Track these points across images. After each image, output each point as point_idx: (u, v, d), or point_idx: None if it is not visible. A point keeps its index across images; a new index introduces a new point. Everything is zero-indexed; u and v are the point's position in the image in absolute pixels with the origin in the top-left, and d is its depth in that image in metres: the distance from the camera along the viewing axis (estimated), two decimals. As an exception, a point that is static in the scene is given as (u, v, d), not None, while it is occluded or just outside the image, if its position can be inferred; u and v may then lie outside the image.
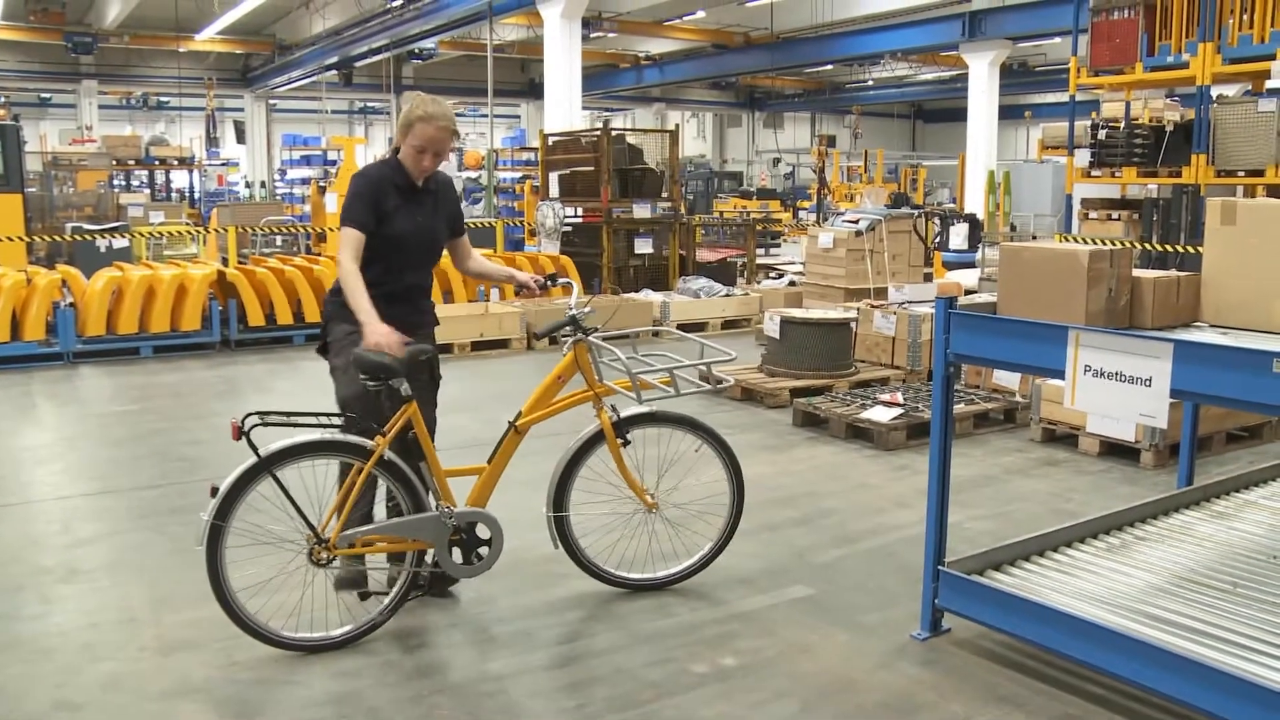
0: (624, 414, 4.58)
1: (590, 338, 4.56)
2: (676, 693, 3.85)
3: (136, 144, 25.72)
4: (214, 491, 3.93)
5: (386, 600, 4.28)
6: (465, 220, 4.90)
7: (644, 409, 4.57)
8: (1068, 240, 11.65)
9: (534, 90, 38.53)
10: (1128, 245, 4.05)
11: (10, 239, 14.07)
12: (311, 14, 29.70)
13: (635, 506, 4.69)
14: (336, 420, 4.24)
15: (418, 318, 4.69)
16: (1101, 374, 3.58)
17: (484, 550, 4.38)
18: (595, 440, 4.57)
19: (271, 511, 4.02)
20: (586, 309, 4.66)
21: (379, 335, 4.15)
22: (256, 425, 3.91)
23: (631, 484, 4.64)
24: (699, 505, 4.89)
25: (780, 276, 15.87)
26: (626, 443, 4.58)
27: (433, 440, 4.45)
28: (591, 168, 14.51)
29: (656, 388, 4.54)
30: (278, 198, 31.29)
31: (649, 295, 13.17)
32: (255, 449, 3.95)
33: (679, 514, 4.84)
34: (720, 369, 4.73)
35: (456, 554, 4.33)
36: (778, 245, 26.24)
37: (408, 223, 4.53)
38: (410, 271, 4.63)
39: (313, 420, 4.15)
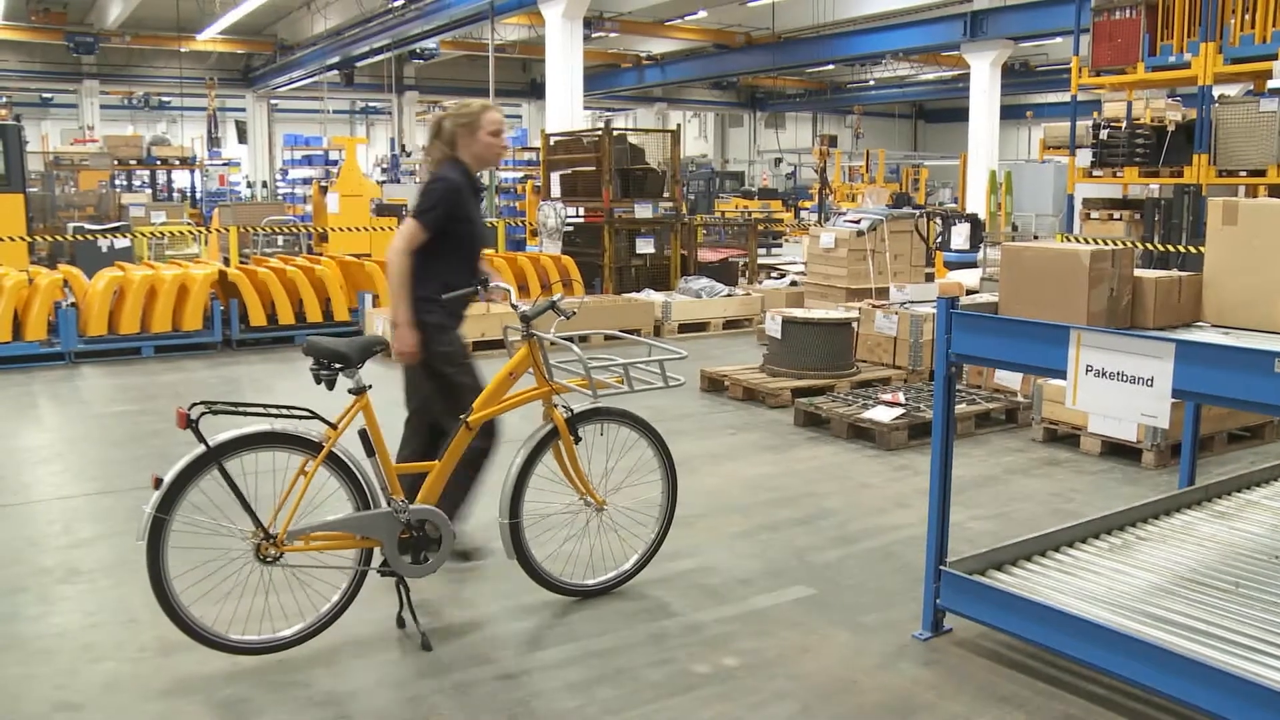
0: (577, 410, 4.56)
1: (542, 335, 4.55)
2: (677, 693, 3.84)
3: (138, 144, 25.74)
4: (157, 483, 3.79)
5: (336, 598, 4.19)
6: None
7: (598, 404, 4.56)
8: (1069, 240, 11.65)
9: (535, 90, 38.55)
10: (1129, 245, 4.05)
11: (12, 239, 14.08)
12: (313, 14, 29.73)
13: (584, 507, 4.67)
14: (288, 412, 4.08)
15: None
16: (1103, 374, 3.58)
17: (433, 550, 4.29)
18: (547, 440, 4.52)
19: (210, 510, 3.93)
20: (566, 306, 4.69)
21: (408, 345, 4.56)
22: (204, 414, 3.80)
23: (583, 482, 4.63)
24: (642, 502, 4.89)
25: (782, 277, 15.87)
26: (578, 439, 4.57)
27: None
28: (593, 168, 14.50)
29: (609, 385, 4.55)
30: (279, 198, 31.33)
31: (650, 295, 13.16)
32: (202, 439, 3.81)
33: (625, 514, 4.83)
34: (674, 367, 4.72)
35: (405, 553, 4.23)
36: (779, 245, 26.25)
37: (480, 223, 4.86)
38: (478, 268, 4.87)
39: (261, 411, 4.02)
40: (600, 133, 14.75)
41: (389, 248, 4.69)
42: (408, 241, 4.62)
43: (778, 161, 43.07)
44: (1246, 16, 10.13)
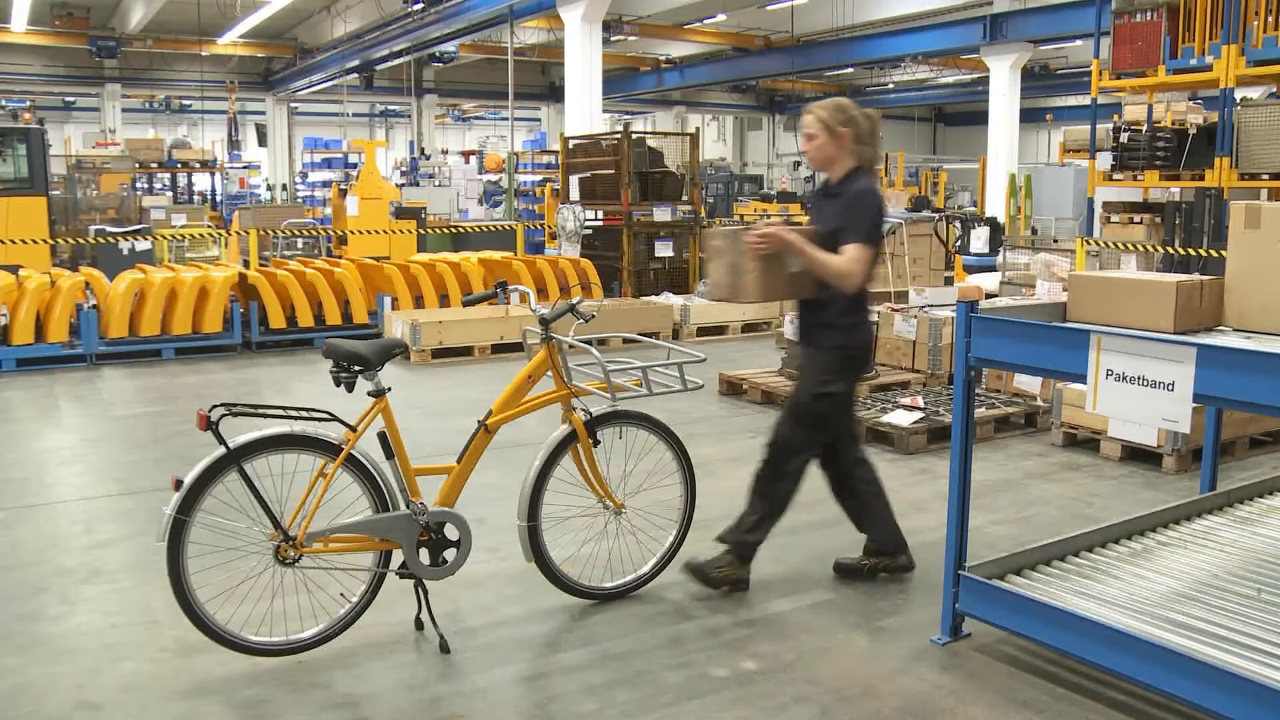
0: (596, 413, 4.56)
1: (561, 338, 4.55)
2: (696, 696, 3.84)
3: (159, 147, 25.92)
4: (177, 484, 3.81)
5: (354, 600, 4.21)
6: (860, 234, 4.59)
7: (617, 407, 4.57)
8: (1089, 244, 11.60)
9: (554, 93, 38.57)
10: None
11: (35, 241, 14.17)
12: (333, 18, 29.84)
13: (602, 510, 4.68)
14: (308, 414, 4.06)
15: (803, 331, 4.88)
16: (1124, 378, 3.56)
17: (451, 552, 4.28)
18: (565, 444, 4.52)
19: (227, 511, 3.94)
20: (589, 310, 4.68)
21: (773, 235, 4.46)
22: (224, 416, 3.82)
23: (601, 486, 4.62)
24: (660, 505, 4.89)
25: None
26: (596, 443, 4.58)
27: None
28: (612, 171, 14.52)
29: (628, 388, 4.55)
30: (299, 200, 31.45)
31: (669, 298, 13.16)
32: (223, 440, 3.83)
33: (643, 517, 4.84)
34: (693, 371, 4.74)
35: (424, 554, 4.23)
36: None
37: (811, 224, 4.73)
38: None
39: (281, 413, 4.01)
40: (619, 136, 14.77)
41: (847, 275, 4.53)
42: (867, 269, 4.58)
43: (796, 165, 42.86)
44: (1269, 19, 10.06)
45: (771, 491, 4.79)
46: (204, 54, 32.09)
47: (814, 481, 6.61)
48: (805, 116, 4.74)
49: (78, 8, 29.51)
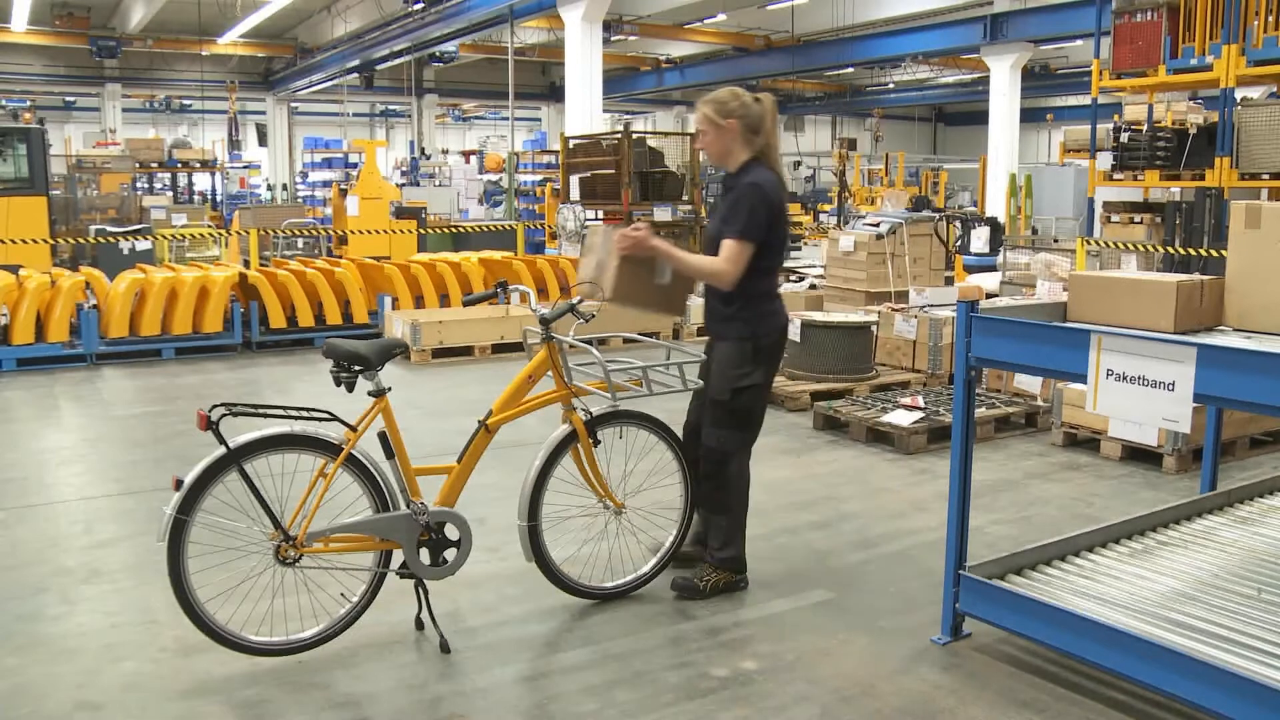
0: (596, 413, 4.55)
1: (561, 338, 4.55)
2: (696, 696, 3.84)
3: (159, 147, 25.93)
4: (177, 484, 3.80)
5: (355, 600, 4.20)
6: (737, 229, 4.54)
7: (617, 407, 4.56)
8: (1090, 244, 11.60)
9: (555, 93, 38.59)
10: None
11: (35, 241, 14.17)
12: (333, 17, 29.87)
13: (603, 510, 4.68)
14: (308, 414, 4.06)
15: (711, 325, 4.86)
16: (1124, 378, 3.56)
17: (451, 552, 4.28)
18: (565, 444, 4.52)
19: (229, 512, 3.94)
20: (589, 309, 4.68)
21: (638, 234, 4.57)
22: (225, 416, 3.82)
23: (602, 485, 4.62)
24: (661, 505, 4.89)
25: (801, 279, 15.83)
26: (597, 443, 4.58)
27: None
28: (612, 170, 14.50)
29: (628, 388, 4.55)
30: (299, 200, 31.46)
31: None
32: (223, 440, 3.83)
33: (643, 517, 4.85)
34: (693, 371, 4.75)
35: (424, 554, 4.23)
36: (798, 248, 26.18)
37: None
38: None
39: (281, 413, 4.00)
40: (619, 136, 14.76)
41: (719, 274, 4.58)
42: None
43: (797, 164, 42.91)
44: (1270, 18, 10.06)
45: (724, 504, 4.74)
46: (204, 54, 32.13)
47: (813, 481, 6.64)
48: (696, 112, 4.70)
49: (78, 8, 29.55)
